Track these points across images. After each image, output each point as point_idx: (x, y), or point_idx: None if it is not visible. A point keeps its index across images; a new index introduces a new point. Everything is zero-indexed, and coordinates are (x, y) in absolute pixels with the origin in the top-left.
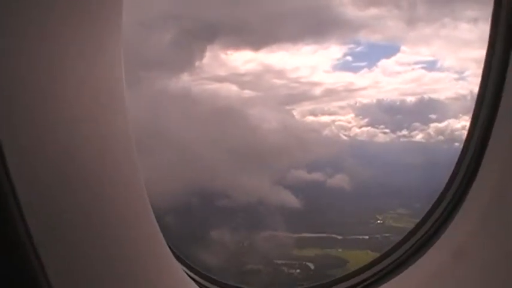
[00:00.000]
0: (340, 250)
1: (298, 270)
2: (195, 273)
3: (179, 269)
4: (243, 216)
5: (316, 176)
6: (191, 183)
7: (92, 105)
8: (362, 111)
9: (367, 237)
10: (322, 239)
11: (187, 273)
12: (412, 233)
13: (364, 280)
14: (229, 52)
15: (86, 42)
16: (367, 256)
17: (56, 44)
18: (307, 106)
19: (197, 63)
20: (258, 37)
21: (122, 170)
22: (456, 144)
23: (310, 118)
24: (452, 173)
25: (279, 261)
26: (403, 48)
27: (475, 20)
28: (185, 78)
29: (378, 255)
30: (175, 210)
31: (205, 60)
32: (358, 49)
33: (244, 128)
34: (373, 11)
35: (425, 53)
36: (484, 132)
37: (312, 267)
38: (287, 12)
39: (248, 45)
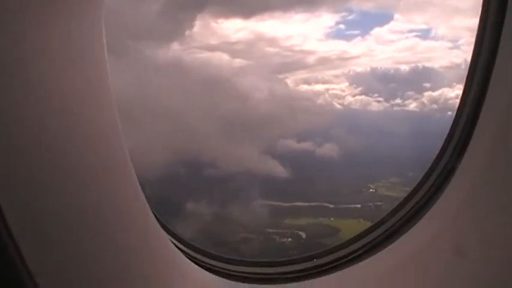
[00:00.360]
0: (332, 219)
1: (289, 239)
2: (182, 244)
3: (166, 239)
4: (232, 186)
5: (306, 145)
6: (180, 153)
7: (76, 93)
8: (356, 79)
9: (359, 205)
10: (315, 208)
11: (174, 244)
12: (405, 201)
13: (358, 249)
14: (219, 21)
15: (67, 30)
16: (359, 225)
17: (36, 33)
18: (301, 75)
19: (187, 32)
20: (248, 5)
21: (109, 152)
22: (449, 113)
23: (304, 87)
24: (445, 141)
25: (271, 230)
26: (396, 16)
27: None
28: (175, 47)
29: (370, 223)
30: (163, 180)
31: (196, 29)
32: (351, 17)
33: (235, 98)
34: None
35: (418, 21)
36: (477, 101)
37: (304, 236)
38: None
39: (238, 13)
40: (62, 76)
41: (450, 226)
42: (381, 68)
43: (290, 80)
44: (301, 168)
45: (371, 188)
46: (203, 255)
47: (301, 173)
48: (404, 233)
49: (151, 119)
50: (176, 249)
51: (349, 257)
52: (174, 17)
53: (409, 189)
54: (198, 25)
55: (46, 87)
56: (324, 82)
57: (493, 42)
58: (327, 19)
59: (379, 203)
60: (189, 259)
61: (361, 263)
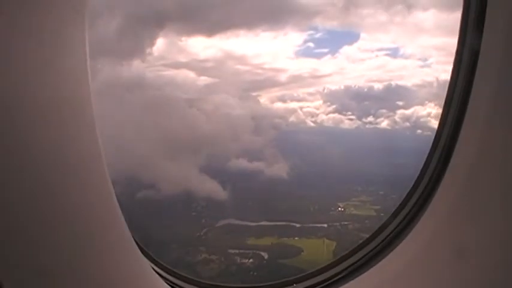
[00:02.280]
0: (296, 238)
1: (251, 260)
2: (162, 269)
3: (147, 265)
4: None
5: (257, 165)
6: (118, 173)
7: (55, 97)
8: (330, 97)
9: (325, 225)
10: (280, 227)
11: (154, 270)
12: (384, 226)
13: (338, 273)
14: (183, 38)
15: (48, 30)
16: (322, 245)
17: (15, 34)
18: (275, 92)
19: (149, 50)
20: (210, 23)
21: (87, 164)
22: (419, 131)
23: (279, 104)
24: (426, 160)
25: (233, 251)
26: (362, 35)
27: (427, 8)
28: (137, 65)
29: (334, 243)
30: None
31: (159, 47)
32: (318, 36)
33: (191, 116)
34: None
35: (384, 40)
36: (456, 122)
37: (266, 256)
38: None
39: (200, 31)
40: (39, 80)
41: (428, 251)
42: (355, 86)
43: (265, 98)
44: (245, 189)
45: (340, 207)
46: (184, 281)
47: (244, 194)
48: (384, 256)
49: None
50: (157, 275)
51: (327, 282)
52: (134, 34)
53: (378, 207)
54: (161, 43)
55: (21, 92)
56: (299, 100)
57: (471, 61)
58: (294, 37)
59: (345, 223)
60: (170, 285)
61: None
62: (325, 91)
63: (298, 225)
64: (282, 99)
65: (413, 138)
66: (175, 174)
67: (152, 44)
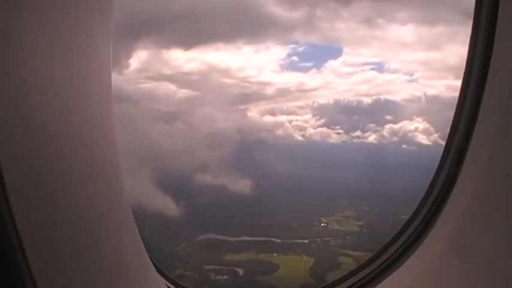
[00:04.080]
0: (275, 254)
1: (225, 276)
2: (177, 286)
3: (162, 283)
4: None
5: (221, 180)
6: None
7: (79, 104)
8: (319, 111)
9: (306, 241)
10: (260, 242)
11: (168, 286)
12: (394, 239)
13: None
14: (162, 51)
15: (75, 36)
16: (300, 261)
17: (44, 38)
18: (263, 106)
19: (126, 62)
20: (188, 35)
21: (106, 177)
22: (404, 146)
23: (268, 118)
24: (434, 176)
25: (208, 267)
26: (345, 49)
27: (405, 23)
28: (114, 77)
29: (312, 260)
30: None
31: (141, 59)
32: (301, 49)
33: (174, 130)
34: (301, 12)
35: (367, 54)
36: (464, 139)
37: (241, 272)
38: (213, 10)
39: (177, 43)
40: (64, 78)
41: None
42: (343, 100)
43: (254, 111)
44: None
45: (323, 222)
46: None
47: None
48: (397, 269)
49: None
50: None
51: None
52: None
53: (362, 223)
54: (140, 55)
55: (47, 88)
56: (289, 113)
57: (480, 78)
58: (277, 51)
59: (327, 238)
60: None
61: None
62: (315, 105)
63: (278, 241)
64: (272, 113)
65: (399, 153)
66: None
67: (128, 57)
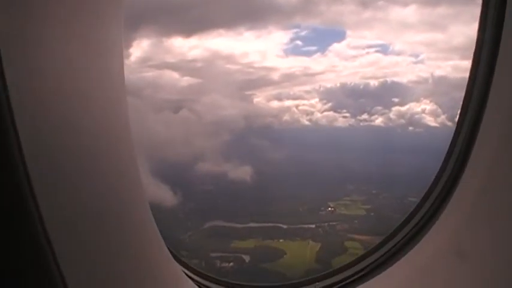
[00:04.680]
0: (281, 241)
1: (231, 264)
2: (194, 273)
3: (178, 269)
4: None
5: (227, 167)
6: None
7: (94, 99)
8: (326, 95)
9: (313, 226)
10: (267, 228)
11: (186, 274)
12: (398, 229)
13: (347, 277)
14: (163, 39)
15: (88, 35)
16: (306, 247)
17: (59, 38)
18: (269, 91)
19: (125, 52)
20: (186, 23)
21: (124, 172)
22: (410, 128)
23: (275, 103)
24: (444, 159)
25: (215, 254)
26: (348, 32)
27: (407, 4)
28: None
29: (319, 245)
30: None
31: (143, 48)
32: (303, 34)
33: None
34: None
35: (370, 37)
36: (475, 119)
37: (248, 260)
38: None
39: (178, 31)
40: (82, 70)
41: (443, 256)
42: (350, 83)
43: (260, 96)
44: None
45: (330, 207)
46: (214, 282)
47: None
48: (400, 258)
49: None
50: (189, 279)
51: (347, 281)
52: None
53: (369, 206)
54: (142, 44)
55: (66, 81)
56: (295, 98)
57: (490, 61)
58: (279, 36)
59: (334, 223)
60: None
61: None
62: (321, 89)
63: (285, 227)
64: (278, 98)
65: (406, 135)
66: None
67: (129, 46)
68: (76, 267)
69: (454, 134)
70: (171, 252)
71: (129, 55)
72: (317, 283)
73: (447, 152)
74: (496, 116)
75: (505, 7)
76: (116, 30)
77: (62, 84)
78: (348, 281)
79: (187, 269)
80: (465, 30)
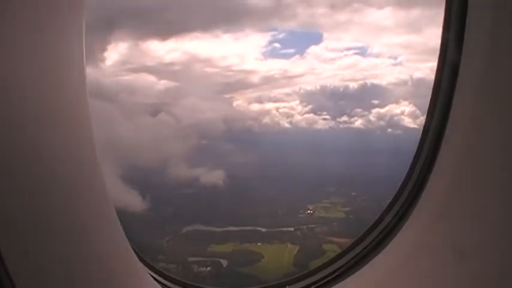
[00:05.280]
0: (259, 244)
1: (208, 268)
2: (159, 275)
3: (145, 272)
4: None
5: (197, 171)
6: None
7: (53, 102)
8: (307, 97)
9: (292, 229)
10: (245, 232)
11: (153, 276)
12: (374, 226)
13: (323, 278)
14: (138, 43)
15: (47, 30)
16: (285, 250)
17: (14, 38)
18: (250, 94)
19: (100, 56)
20: (161, 26)
21: (85, 172)
22: (389, 130)
23: (255, 105)
24: (412, 161)
25: (192, 259)
26: (325, 35)
27: (382, 6)
28: (88, 71)
29: (297, 248)
30: None
31: (119, 51)
32: (281, 36)
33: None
34: None
35: (347, 39)
36: (442, 119)
37: (225, 264)
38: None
39: (153, 35)
40: (37, 73)
41: (412, 256)
42: (330, 85)
43: (240, 99)
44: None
45: (309, 209)
46: (181, 286)
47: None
48: (376, 255)
49: None
50: (154, 281)
51: (319, 283)
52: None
53: (348, 209)
54: (116, 48)
55: (21, 86)
56: (276, 100)
57: (454, 60)
58: (257, 39)
59: (312, 226)
60: None
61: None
62: (301, 91)
63: (264, 230)
64: (259, 101)
65: (385, 137)
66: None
67: (103, 50)
68: (27, 273)
69: (422, 135)
70: (137, 255)
71: (103, 59)
72: (287, 287)
73: (415, 154)
74: (461, 118)
75: (466, 11)
76: (77, 36)
77: (17, 89)
78: (320, 283)
79: (154, 272)
80: (441, 32)
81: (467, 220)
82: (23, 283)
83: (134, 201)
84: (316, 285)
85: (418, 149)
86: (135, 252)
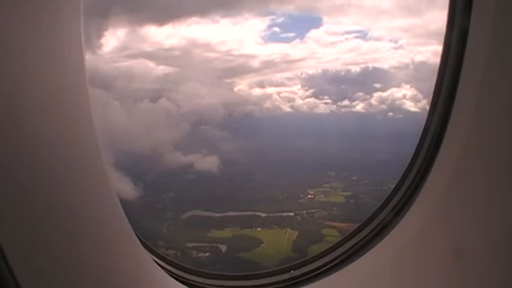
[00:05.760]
0: (259, 229)
1: (207, 254)
2: (164, 261)
3: (148, 258)
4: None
5: (195, 157)
6: None
7: (54, 99)
8: (308, 81)
9: (292, 214)
10: (245, 217)
11: (156, 262)
12: (373, 217)
13: (320, 267)
14: (136, 28)
15: (45, 21)
16: (284, 235)
17: (11, 37)
18: (251, 78)
19: (97, 42)
20: (158, 11)
21: (88, 162)
22: (390, 113)
23: (257, 90)
24: (414, 152)
25: (191, 245)
26: (324, 18)
27: None
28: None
29: (296, 233)
30: None
31: (118, 37)
32: (280, 20)
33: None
34: None
35: (347, 23)
36: (445, 108)
37: (224, 249)
38: None
39: (150, 20)
40: (37, 72)
41: (413, 245)
42: (332, 69)
43: (242, 84)
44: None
45: (310, 194)
46: (186, 272)
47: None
48: (374, 245)
49: None
50: (159, 267)
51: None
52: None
53: (349, 193)
54: (114, 33)
55: (19, 77)
56: (277, 85)
57: (459, 47)
58: (256, 23)
59: (313, 211)
60: (172, 277)
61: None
62: (303, 75)
63: (264, 215)
64: (261, 85)
65: (386, 121)
66: None
67: (100, 36)
68: (31, 265)
69: (428, 117)
70: (140, 240)
71: (100, 45)
72: (292, 271)
73: (421, 137)
74: (467, 101)
75: None
76: (75, 19)
77: (16, 77)
78: (323, 269)
79: (157, 257)
80: (441, 15)
81: (471, 204)
82: (29, 282)
83: (127, 189)
84: (318, 271)
85: (423, 131)
86: (139, 239)
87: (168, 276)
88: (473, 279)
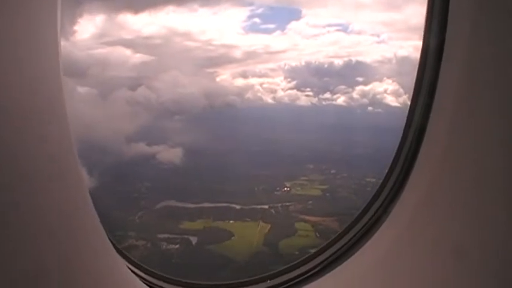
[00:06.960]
0: (231, 222)
1: (177, 246)
2: (139, 269)
3: (123, 265)
4: None
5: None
6: None
7: (29, 97)
8: (291, 73)
9: (266, 206)
10: (219, 209)
11: (130, 269)
12: (355, 222)
13: (304, 273)
14: (112, 15)
15: (20, 27)
16: (256, 228)
17: None
18: (233, 69)
19: (70, 29)
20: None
21: (60, 163)
22: (370, 108)
23: (240, 81)
24: (395, 155)
25: (162, 236)
26: (304, 11)
27: None
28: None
29: (269, 226)
30: None
31: (94, 24)
32: (260, 11)
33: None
34: None
35: (326, 16)
36: (425, 110)
37: (194, 241)
38: None
39: (125, 8)
40: (11, 70)
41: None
42: (315, 62)
43: (224, 74)
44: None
45: (286, 187)
46: (160, 280)
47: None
48: (356, 251)
49: None
50: (133, 274)
51: (300, 278)
52: None
53: (326, 187)
54: (90, 20)
55: None
56: (260, 76)
57: (437, 50)
58: (236, 13)
59: (287, 204)
60: (146, 284)
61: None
62: (286, 67)
63: (238, 207)
64: (244, 76)
65: (366, 115)
66: None
67: (74, 23)
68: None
69: (408, 114)
70: (114, 246)
71: (73, 32)
72: (268, 281)
73: (403, 134)
74: (447, 96)
75: None
76: (50, 5)
77: None
78: (301, 278)
79: (132, 264)
80: (421, 10)
81: (449, 213)
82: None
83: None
84: (296, 280)
85: (405, 128)
86: (113, 246)
87: (142, 283)
88: (461, 278)
